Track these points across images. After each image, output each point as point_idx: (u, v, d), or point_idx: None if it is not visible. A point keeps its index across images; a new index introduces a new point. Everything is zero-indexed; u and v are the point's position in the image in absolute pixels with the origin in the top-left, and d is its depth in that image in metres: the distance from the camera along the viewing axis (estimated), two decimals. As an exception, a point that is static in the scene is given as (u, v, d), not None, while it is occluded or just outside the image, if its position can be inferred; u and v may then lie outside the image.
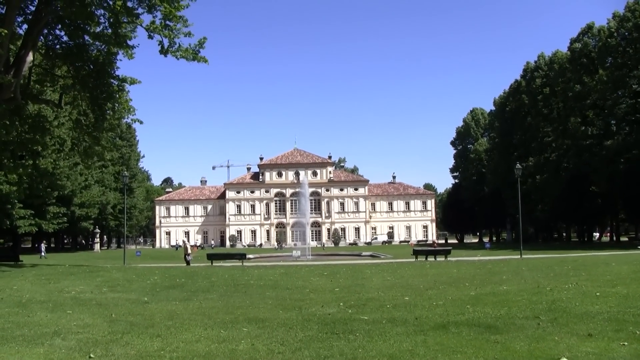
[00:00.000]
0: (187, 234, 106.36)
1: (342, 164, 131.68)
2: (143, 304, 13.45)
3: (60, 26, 23.72)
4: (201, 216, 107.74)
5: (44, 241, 60.02)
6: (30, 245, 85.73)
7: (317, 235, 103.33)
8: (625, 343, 7.88)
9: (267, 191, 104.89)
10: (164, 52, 21.98)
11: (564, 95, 64.20)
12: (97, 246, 76.79)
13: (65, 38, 24.22)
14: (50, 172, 53.42)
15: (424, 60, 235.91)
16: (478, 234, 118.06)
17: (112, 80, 23.89)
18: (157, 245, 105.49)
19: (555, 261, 28.20)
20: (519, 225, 42.67)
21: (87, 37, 23.47)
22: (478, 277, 19.44)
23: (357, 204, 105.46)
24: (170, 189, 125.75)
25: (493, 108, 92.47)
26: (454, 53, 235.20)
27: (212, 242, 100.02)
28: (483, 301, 12.46)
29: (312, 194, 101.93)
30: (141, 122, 25.76)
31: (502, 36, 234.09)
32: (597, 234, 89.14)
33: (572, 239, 79.56)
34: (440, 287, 16.27)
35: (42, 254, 50.39)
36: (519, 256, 35.66)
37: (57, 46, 24.63)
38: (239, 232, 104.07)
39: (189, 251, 35.98)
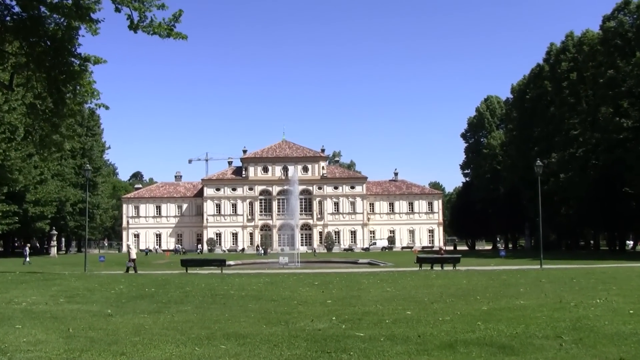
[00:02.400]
0: (158, 236, 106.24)
1: (336, 159, 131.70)
2: (106, 317, 13.40)
3: (10, -6, 23.49)
4: (175, 216, 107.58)
5: (29, 244, 59.82)
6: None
7: (308, 240, 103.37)
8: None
9: (250, 188, 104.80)
10: (133, 27, 21.79)
11: (594, 81, 64.32)
12: (53, 250, 76.44)
13: (17, 9, 23.96)
14: (-1, 164, 53.24)
15: (431, 41, 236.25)
16: (491, 240, 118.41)
17: (72, 59, 23.66)
18: (124, 249, 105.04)
19: (581, 272, 28.31)
20: (539, 230, 42.80)
21: (43, 9, 23.26)
22: (491, 290, 19.50)
23: (353, 204, 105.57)
24: (140, 185, 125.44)
25: (510, 96, 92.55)
26: (466, 33, 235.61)
27: (179, 246, 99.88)
28: (497, 317, 12.49)
29: (303, 192, 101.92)
30: (107, 108, 25.53)
31: (522, 13, 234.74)
32: (630, 242, 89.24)
33: (601, 247, 79.89)
34: (447, 301, 16.30)
35: (26, 259, 50.65)
36: (539, 266, 35.78)
37: (7, 18, 24.35)
38: (218, 235, 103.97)
39: (133, 256, 36.38)
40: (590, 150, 63.81)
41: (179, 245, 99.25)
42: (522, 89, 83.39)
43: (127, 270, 35.00)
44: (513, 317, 12.49)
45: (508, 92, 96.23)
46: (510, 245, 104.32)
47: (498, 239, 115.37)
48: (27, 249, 53.81)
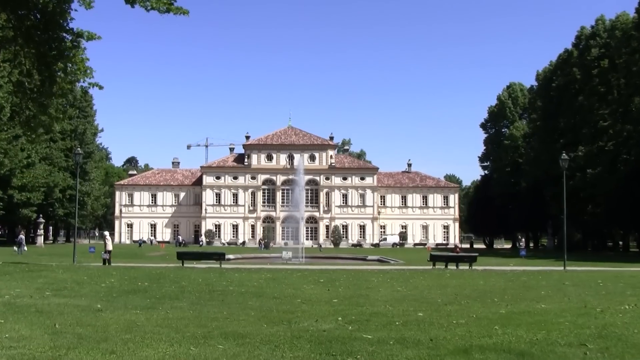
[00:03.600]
0: (153, 226, 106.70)
1: (346, 147, 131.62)
2: (95, 313, 13.43)
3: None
4: (171, 206, 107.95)
5: (23, 230, 59.79)
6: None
7: (313, 234, 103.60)
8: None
9: (253, 177, 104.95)
10: (130, 1, 21.74)
11: (626, 69, 63.93)
12: (40, 239, 76.70)
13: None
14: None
15: (450, 24, 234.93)
16: (511, 238, 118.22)
17: (64, 35, 23.62)
18: (117, 240, 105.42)
19: (608, 276, 28.25)
20: (563, 229, 42.72)
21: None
22: (510, 292, 19.50)
23: (363, 196, 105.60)
24: (135, 172, 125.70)
25: (535, 84, 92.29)
26: (488, 15, 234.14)
27: (179, 237, 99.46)
28: (515, 321, 12.46)
29: (309, 182, 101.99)
30: (101, 87, 25.49)
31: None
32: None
33: (631, 249, 79.60)
34: (462, 302, 16.32)
35: (23, 247, 50.68)
36: (562, 267, 35.70)
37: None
38: (218, 226, 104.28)
39: (109, 247, 36.50)
40: (621, 143, 63.50)
41: (179, 237, 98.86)
42: (548, 76, 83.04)
43: (105, 263, 35.08)
44: (533, 322, 12.45)
45: (532, 80, 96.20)
46: (531, 245, 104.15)
47: (518, 237, 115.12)
48: (21, 236, 53.65)
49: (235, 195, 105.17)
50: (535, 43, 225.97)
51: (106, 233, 44.50)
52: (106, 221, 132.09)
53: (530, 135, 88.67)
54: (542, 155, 76.65)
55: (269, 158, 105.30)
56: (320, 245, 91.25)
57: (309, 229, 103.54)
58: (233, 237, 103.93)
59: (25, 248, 51.70)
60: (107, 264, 34.49)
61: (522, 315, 13.45)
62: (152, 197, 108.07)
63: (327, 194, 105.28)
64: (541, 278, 26.12)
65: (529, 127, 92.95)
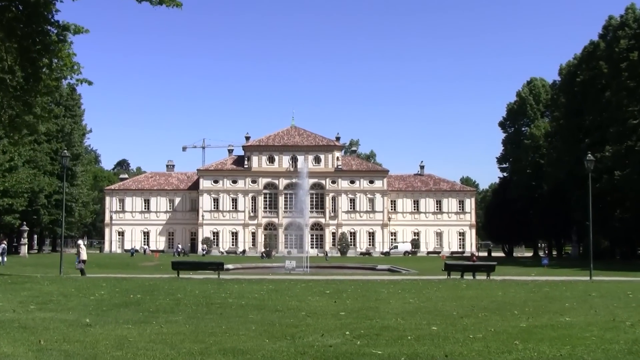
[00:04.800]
0: (146, 234, 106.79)
1: (354, 149, 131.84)
2: (84, 328, 13.44)
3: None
4: (166, 212, 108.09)
5: (5, 239, 59.70)
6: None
7: (319, 242, 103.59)
8: None
9: (254, 181, 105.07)
10: (119, -10, 21.77)
11: (658, 63, 63.86)
12: (24, 249, 76.75)
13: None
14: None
15: (465, 15, 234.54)
16: (532, 245, 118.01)
17: (49, 28, 23.72)
18: (107, 249, 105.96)
19: (639, 286, 28.16)
20: (589, 236, 42.57)
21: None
22: (531, 304, 19.50)
23: (372, 201, 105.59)
24: (126, 176, 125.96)
25: (558, 78, 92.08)
26: (507, 5, 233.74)
27: (179, 246, 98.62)
28: (537, 336, 12.43)
29: (314, 186, 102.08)
30: (90, 83, 25.63)
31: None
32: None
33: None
34: (479, 315, 16.32)
35: (4, 258, 50.63)
36: (588, 277, 35.69)
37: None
38: (216, 234, 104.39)
39: (83, 256, 36.52)
40: (653, 143, 63.40)
41: (179, 245, 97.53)
42: (572, 70, 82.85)
43: (82, 273, 35.14)
44: (557, 336, 12.42)
45: (555, 74, 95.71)
46: (554, 253, 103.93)
47: (540, 244, 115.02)
48: (3, 245, 53.61)
49: (235, 201, 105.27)
50: (558, 34, 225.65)
51: (80, 242, 44.67)
52: (95, 229, 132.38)
53: (552, 134, 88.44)
54: (565, 156, 76.46)
55: (271, 160, 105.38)
56: (326, 254, 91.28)
57: (314, 237, 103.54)
58: (232, 245, 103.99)
59: (6, 259, 51.66)
60: (84, 274, 34.61)
61: (545, 329, 13.42)
62: (144, 203, 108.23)
63: (334, 198, 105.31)
64: (565, 289, 26.08)
65: (551, 125, 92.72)
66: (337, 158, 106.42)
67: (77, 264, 36.46)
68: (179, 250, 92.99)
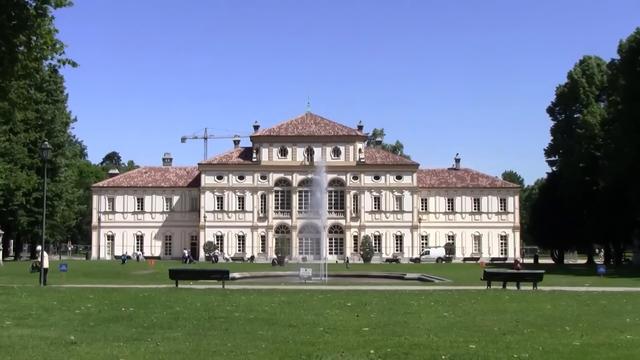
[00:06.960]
0: (140, 238, 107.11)
1: (378, 139, 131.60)
2: (67, 346, 13.48)
3: None
4: (162, 212, 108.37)
5: None
6: None
7: (338, 246, 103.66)
8: None
9: (263, 177, 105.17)
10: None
11: None
12: (-2, 255, 77.42)
13: None
14: None
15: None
16: (586, 251, 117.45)
17: (27, 0, 23.83)
18: (94, 255, 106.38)
19: None
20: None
21: None
22: (585, 318, 19.43)
23: (400, 199, 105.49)
24: (116, 171, 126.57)
25: (617, 57, 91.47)
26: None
27: (186, 251, 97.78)
28: (593, 356, 12.37)
29: (333, 182, 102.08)
30: (74, 65, 25.73)
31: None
32: None
33: None
34: (525, 331, 16.28)
35: None
36: (652, 288, 35.44)
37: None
38: (220, 237, 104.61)
39: (46, 264, 36.72)
40: None
41: (185, 251, 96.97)
42: (634, 47, 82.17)
43: (42, 283, 35.36)
44: (616, 357, 12.35)
45: (614, 52, 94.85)
46: (611, 260, 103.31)
47: (595, 250, 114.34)
48: None
49: (242, 199, 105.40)
50: (617, 4, 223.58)
51: (39, 247, 44.84)
52: (81, 232, 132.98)
53: (610, 121, 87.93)
54: (625, 147, 75.95)
55: (283, 153, 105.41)
56: (347, 261, 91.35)
57: (333, 241, 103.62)
58: (239, 250, 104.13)
59: None
60: (46, 284, 34.78)
61: (602, 348, 13.34)
62: (138, 202, 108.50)
63: (355, 196, 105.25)
64: (625, 301, 25.96)
65: (608, 111, 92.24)
66: (360, 150, 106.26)
67: (35, 270, 36.65)
68: (187, 256, 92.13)
